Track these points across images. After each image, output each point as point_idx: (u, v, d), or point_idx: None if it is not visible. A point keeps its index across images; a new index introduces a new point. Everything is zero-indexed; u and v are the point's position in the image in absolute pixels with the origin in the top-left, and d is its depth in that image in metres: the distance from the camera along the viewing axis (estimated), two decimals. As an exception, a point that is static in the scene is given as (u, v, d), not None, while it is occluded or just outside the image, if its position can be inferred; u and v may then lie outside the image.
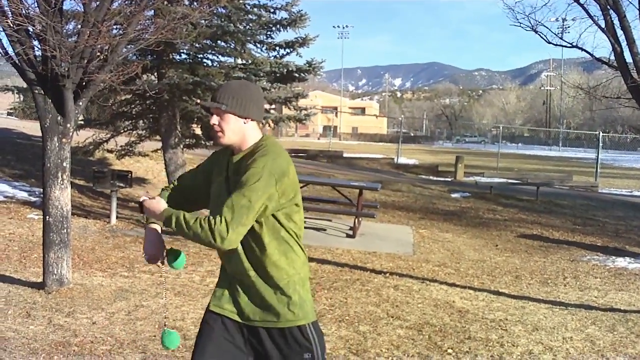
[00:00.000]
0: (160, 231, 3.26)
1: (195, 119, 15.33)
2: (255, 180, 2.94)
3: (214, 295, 3.27)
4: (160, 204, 3.12)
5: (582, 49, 11.34)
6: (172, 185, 3.46)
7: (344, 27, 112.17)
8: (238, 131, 3.15)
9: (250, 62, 14.29)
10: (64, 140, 7.37)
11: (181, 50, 14.21)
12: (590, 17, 10.88)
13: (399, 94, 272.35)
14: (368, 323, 6.90)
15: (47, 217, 7.43)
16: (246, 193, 2.92)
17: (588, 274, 10.63)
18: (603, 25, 10.59)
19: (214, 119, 3.16)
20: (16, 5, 6.56)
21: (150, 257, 3.24)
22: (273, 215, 3.06)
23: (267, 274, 3.09)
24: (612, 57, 10.96)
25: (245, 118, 3.16)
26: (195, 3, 12.72)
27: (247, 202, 2.91)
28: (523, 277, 10.15)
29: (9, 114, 50.62)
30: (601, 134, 31.10)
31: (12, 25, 6.66)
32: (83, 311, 6.75)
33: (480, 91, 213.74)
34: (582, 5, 11.03)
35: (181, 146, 14.82)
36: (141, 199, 3.20)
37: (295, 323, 3.09)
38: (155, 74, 14.60)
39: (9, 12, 6.74)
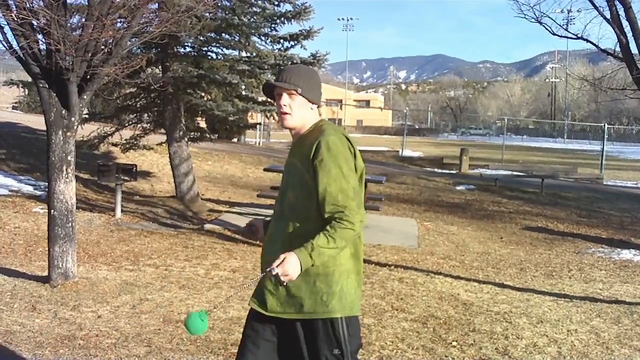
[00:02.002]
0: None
1: (200, 112, 15.34)
2: (344, 158, 3.03)
3: (255, 291, 3.29)
4: (292, 263, 2.91)
5: (587, 41, 11.34)
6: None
7: (348, 20, 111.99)
8: (304, 115, 3.20)
9: (254, 54, 14.29)
10: (68, 134, 7.38)
11: (185, 43, 14.21)
12: (596, 8, 10.88)
13: (403, 87, 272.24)
14: (373, 316, 6.90)
15: (52, 210, 7.44)
16: (348, 176, 3.02)
17: (593, 266, 10.61)
18: (609, 17, 10.59)
19: (285, 100, 3.17)
20: (20, -1, 6.56)
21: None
22: None
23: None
24: (618, 49, 10.96)
25: (313, 103, 3.21)
26: (199, -4, 12.70)
27: (353, 185, 3.04)
28: (528, 269, 10.14)
29: (13, 107, 50.74)
30: (606, 125, 31.09)
31: (16, 19, 6.66)
32: (88, 305, 6.77)
33: (485, 83, 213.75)
34: (587, -3, 11.01)
35: (186, 139, 14.85)
36: (274, 273, 2.92)
37: (330, 315, 3.04)
38: (160, 67, 14.62)
39: (14, 6, 6.73)
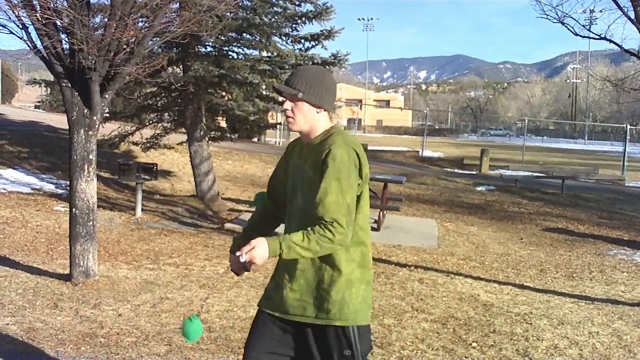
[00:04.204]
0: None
1: (221, 112, 15.38)
2: (347, 174, 2.96)
3: (264, 291, 3.29)
4: (261, 248, 2.90)
5: (610, 41, 11.26)
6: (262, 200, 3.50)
7: (369, 20, 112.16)
8: (310, 119, 3.14)
9: (275, 54, 14.31)
10: (90, 132, 7.42)
11: (207, 43, 14.25)
12: (620, 8, 10.80)
13: (424, 87, 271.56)
14: (393, 316, 6.90)
15: (74, 209, 7.49)
16: (346, 191, 2.94)
17: (615, 268, 10.54)
18: (633, 17, 10.51)
19: (287, 105, 3.14)
20: (44, -1, 6.62)
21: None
22: None
23: (319, 268, 3.06)
24: (642, 49, 10.86)
25: (319, 107, 3.13)
26: (220, -4, 12.74)
27: (349, 201, 2.95)
28: (548, 270, 10.09)
29: (36, 107, 51.15)
30: (628, 126, 30.79)
31: (40, 19, 6.71)
32: (109, 303, 6.81)
33: (506, 84, 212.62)
34: (610, -4, 10.94)
35: (206, 139, 14.89)
36: (242, 259, 2.92)
37: (329, 322, 3.04)
38: (181, 66, 14.67)
39: (38, 6, 6.79)
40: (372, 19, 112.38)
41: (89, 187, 7.51)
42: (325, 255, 3.02)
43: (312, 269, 3.07)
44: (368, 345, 3.16)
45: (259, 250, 2.88)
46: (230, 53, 14.84)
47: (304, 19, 14.33)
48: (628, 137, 29.66)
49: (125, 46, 7.47)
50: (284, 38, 14.74)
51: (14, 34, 7.01)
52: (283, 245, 2.89)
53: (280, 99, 3.12)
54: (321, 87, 3.13)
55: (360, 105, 78.15)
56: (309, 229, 2.92)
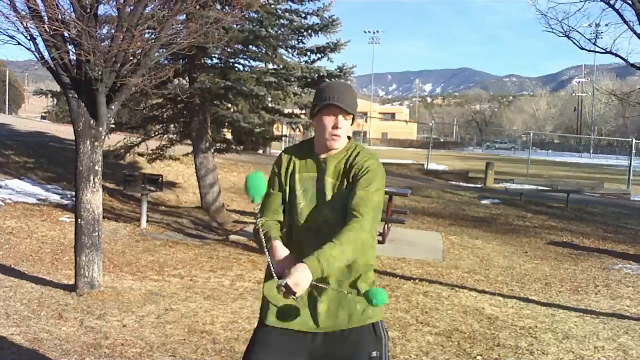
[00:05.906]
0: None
1: (226, 124, 15.41)
2: (379, 180, 3.06)
3: (269, 310, 3.14)
4: (302, 273, 2.73)
5: (616, 55, 11.27)
6: (267, 222, 3.33)
7: (374, 32, 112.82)
8: (347, 134, 3.20)
9: (281, 67, 14.32)
10: (96, 143, 7.45)
11: (213, 55, 14.28)
12: (625, 22, 10.82)
13: (429, 100, 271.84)
14: (397, 329, 6.89)
15: (79, 220, 7.50)
16: (375, 193, 3.01)
17: (620, 282, 10.51)
18: (638, 31, 10.53)
19: (343, 123, 3.10)
20: (53, 10, 6.65)
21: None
22: None
23: (342, 273, 3.03)
24: (648, 63, 10.86)
25: (353, 122, 3.20)
26: (227, 7, 12.78)
27: (377, 200, 3.01)
28: (553, 284, 10.07)
29: (42, 117, 51.30)
30: (634, 140, 30.71)
31: (48, 30, 6.75)
32: (113, 314, 6.81)
33: (511, 97, 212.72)
34: (617, 11, 10.98)
35: (212, 150, 14.90)
36: (283, 284, 2.71)
37: (366, 322, 3.05)
38: (187, 78, 14.70)
39: (46, 18, 6.83)
40: (378, 31, 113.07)
41: (94, 198, 7.53)
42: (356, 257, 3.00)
43: (335, 274, 3.01)
44: (387, 344, 3.18)
45: (303, 275, 2.73)
46: (236, 65, 14.87)
47: (310, 31, 14.35)
48: (634, 151, 29.56)
49: (131, 57, 7.50)
50: (290, 50, 14.77)
51: (21, 45, 7.06)
52: (322, 261, 2.77)
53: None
54: (357, 103, 3.19)
55: (366, 118, 78.31)
56: (339, 236, 2.85)
